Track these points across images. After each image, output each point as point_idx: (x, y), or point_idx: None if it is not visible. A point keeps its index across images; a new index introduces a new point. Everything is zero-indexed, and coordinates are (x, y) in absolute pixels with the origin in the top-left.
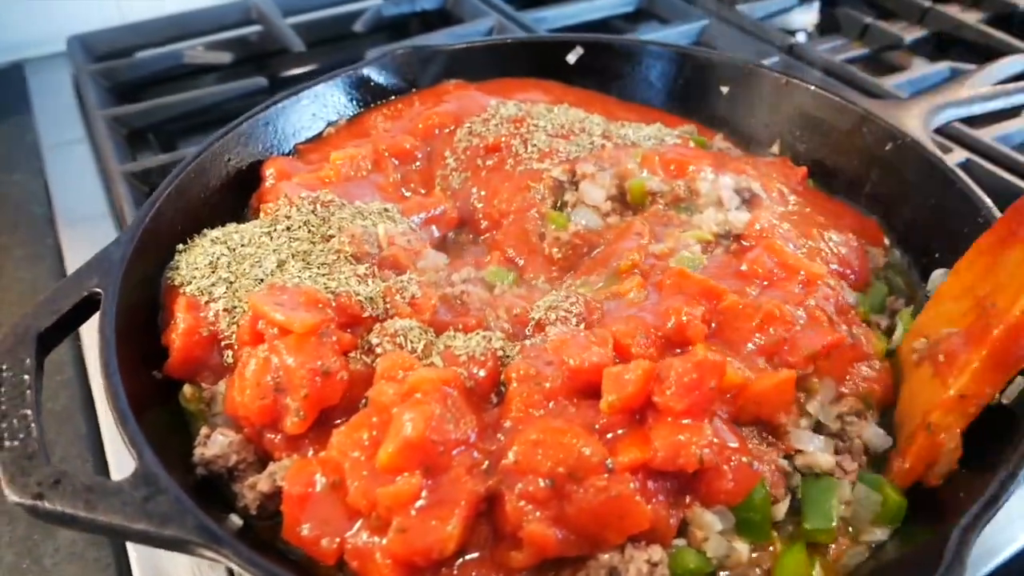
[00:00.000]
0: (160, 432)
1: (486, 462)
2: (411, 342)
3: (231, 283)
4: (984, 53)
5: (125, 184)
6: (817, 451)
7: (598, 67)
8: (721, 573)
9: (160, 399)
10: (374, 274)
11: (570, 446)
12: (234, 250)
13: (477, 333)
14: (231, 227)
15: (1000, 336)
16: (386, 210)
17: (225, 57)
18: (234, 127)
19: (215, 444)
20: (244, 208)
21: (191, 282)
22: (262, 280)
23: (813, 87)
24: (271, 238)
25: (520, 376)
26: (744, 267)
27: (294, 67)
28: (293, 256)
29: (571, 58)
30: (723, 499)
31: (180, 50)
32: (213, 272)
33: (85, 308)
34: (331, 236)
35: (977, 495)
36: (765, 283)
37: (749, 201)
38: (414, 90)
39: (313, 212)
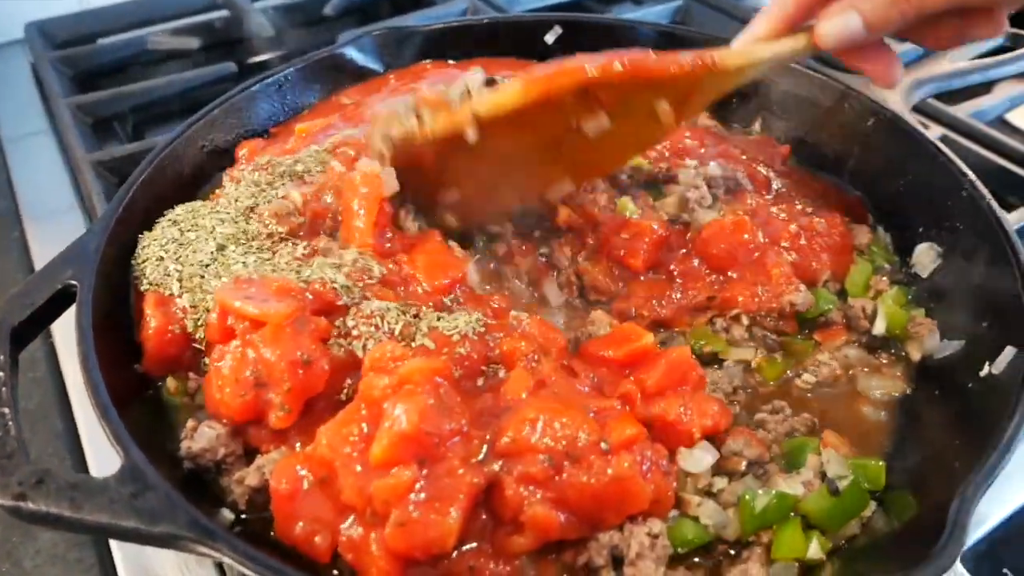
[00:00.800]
0: (143, 426)
1: (483, 449)
2: (388, 323)
3: (179, 271)
4: None
5: (93, 174)
6: None
7: (577, 47)
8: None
9: (141, 392)
10: (314, 251)
11: (567, 423)
12: (183, 233)
13: (464, 312)
14: (190, 205)
15: None
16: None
17: (192, 43)
18: (207, 113)
19: (202, 437)
20: None
21: (146, 274)
22: (206, 266)
23: (794, 64)
24: (212, 219)
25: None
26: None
27: (263, 52)
28: (230, 239)
29: (549, 38)
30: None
31: (144, 36)
32: (161, 262)
33: (60, 301)
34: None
35: (973, 465)
36: None
37: (733, 192)
38: (390, 72)
39: (255, 183)
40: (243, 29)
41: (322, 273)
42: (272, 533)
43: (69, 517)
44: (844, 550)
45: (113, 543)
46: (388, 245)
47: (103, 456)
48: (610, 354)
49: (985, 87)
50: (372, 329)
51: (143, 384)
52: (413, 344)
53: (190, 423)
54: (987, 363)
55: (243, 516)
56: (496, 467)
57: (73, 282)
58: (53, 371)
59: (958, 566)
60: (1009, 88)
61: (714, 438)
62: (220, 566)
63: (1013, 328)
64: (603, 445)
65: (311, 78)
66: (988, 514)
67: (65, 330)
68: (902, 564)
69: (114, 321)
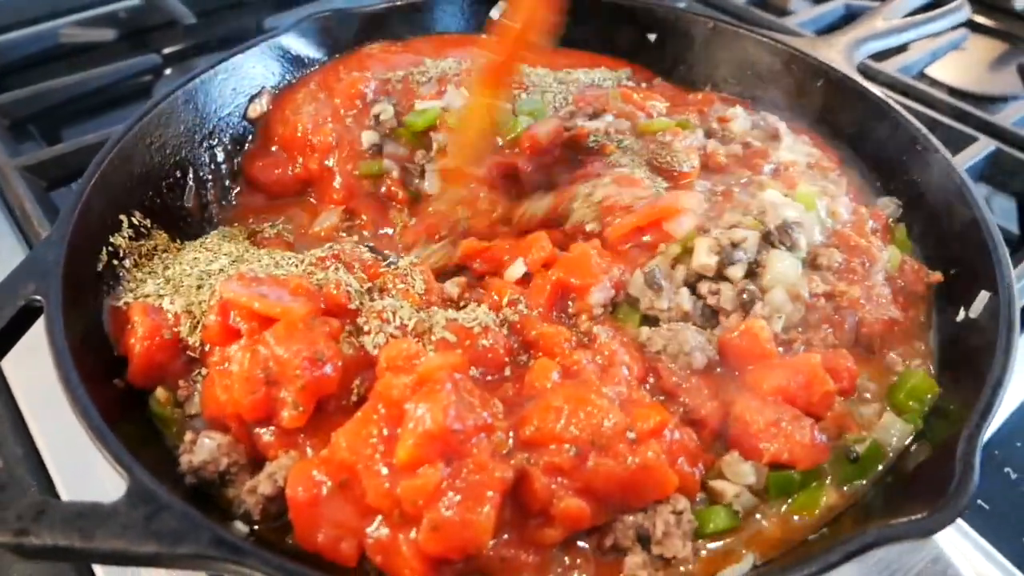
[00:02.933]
0: (136, 445)
1: (509, 442)
2: (400, 318)
3: (172, 279)
4: None
5: (20, 180)
6: None
7: None
8: None
9: (126, 409)
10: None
11: (592, 412)
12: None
13: (480, 305)
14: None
15: None
16: None
17: (108, 34)
18: (153, 107)
19: (203, 449)
20: (182, 194)
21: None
22: (204, 276)
23: (741, 29)
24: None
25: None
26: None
27: (184, 40)
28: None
29: (495, 13)
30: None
31: (54, 29)
32: (151, 275)
33: (24, 318)
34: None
35: (970, 405)
36: None
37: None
38: (337, 56)
39: None
40: (159, 17)
41: (337, 276)
42: (289, 540)
43: (81, 548)
44: (864, 498)
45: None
46: None
47: (74, 481)
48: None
49: (904, 45)
50: (383, 323)
51: (127, 400)
52: (433, 338)
53: (188, 436)
54: (962, 308)
55: (255, 527)
56: (523, 458)
57: (37, 297)
58: (2, 393)
59: None
60: (928, 43)
61: None
62: None
63: (982, 273)
64: (630, 434)
65: (255, 66)
66: None
67: (17, 349)
68: (922, 507)
69: (84, 335)
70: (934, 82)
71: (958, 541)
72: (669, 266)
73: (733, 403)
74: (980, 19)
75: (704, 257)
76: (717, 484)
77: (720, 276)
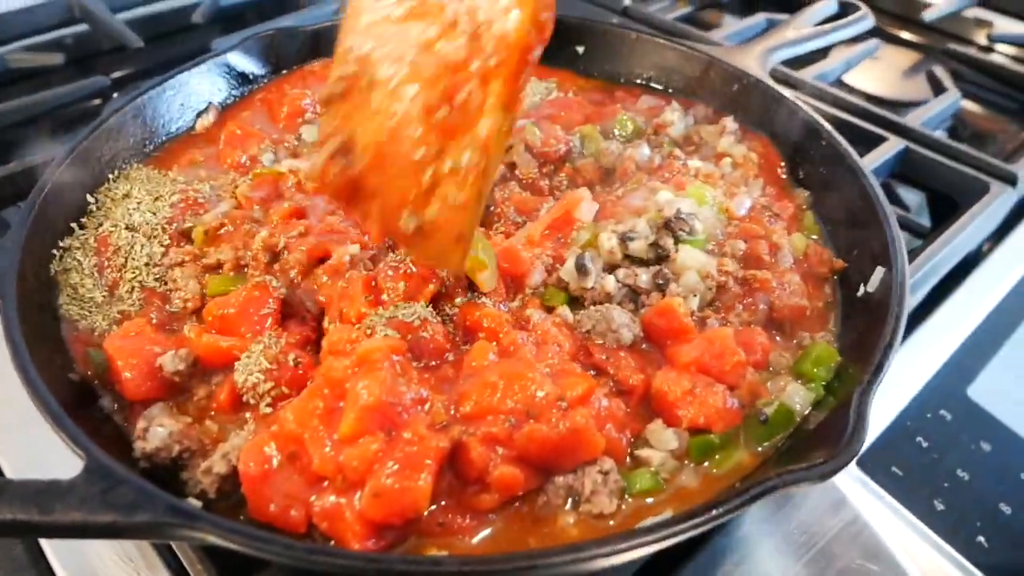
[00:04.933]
0: (88, 432)
1: (447, 415)
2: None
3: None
4: (790, 5)
5: None
6: None
7: None
8: None
9: (79, 400)
10: None
11: (525, 384)
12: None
13: (417, 303)
14: None
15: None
16: None
17: (56, 59)
18: (102, 122)
19: (155, 437)
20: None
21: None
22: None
23: (661, 40)
24: None
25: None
26: None
27: (132, 65)
28: None
29: None
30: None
31: (1, 55)
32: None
33: None
34: None
35: (866, 366)
36: None
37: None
38: (283, 72)
39: None
40: (107, 42)
41: None
42: (242, 517)
43: (40, 521)
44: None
45: (44, 541)
46: None
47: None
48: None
49: (822, 53)
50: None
51: (82, 393)
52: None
53: (140, 424)
54: (862, 285)
55: (210, 505)
56: (461, 431)
57: None
58: None
59: (855, 468)
60: (843, 53)
61: None
62: (167, 552)
63: (879, 251)
64: (562, 403)
65: (202, 83)
66: (873, 423)
67: None
68: (821, 456)
69: (40, 333)
70: (851, 89)
71: (874, 503)
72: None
73: (654, 376)
74: (893, 31)
75: (607, 243)
76: (643, 452)
77: (637, 262)
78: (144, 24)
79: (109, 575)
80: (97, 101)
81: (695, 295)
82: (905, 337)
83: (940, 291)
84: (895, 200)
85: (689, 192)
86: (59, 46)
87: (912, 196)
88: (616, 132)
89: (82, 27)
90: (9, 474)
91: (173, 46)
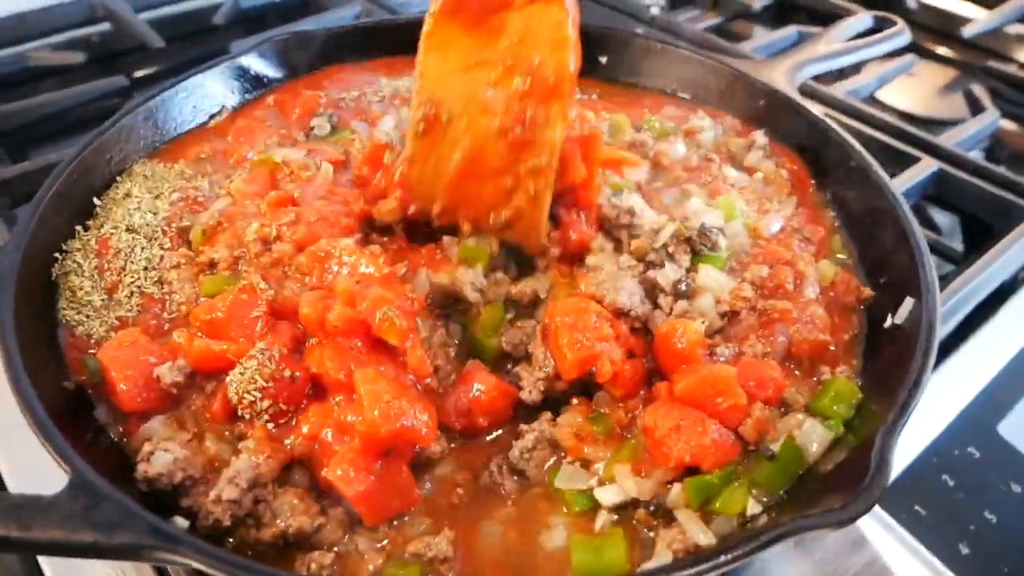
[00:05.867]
0: (81, 444)
1: None
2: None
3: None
4: (823, 17)
5: None
6: None
7: None
8: None
9: (74, 410)
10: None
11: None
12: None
13: None
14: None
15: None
16: None
17: (78, 57)
18: (113, 123)
19: (159, 461)
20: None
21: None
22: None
23: (687, 51)
24: None
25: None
26: None
27: (153, 64)
28: None
29: None
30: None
31: (24, 52)
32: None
33: None
34: None
35: (891, 405)
36: None
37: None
38: (295, 77)
39: None
40: (129, 41)
41: None
42: (229, 541)
43: (18, 538)
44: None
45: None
46: None
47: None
48: None
49: (855, 68)
50: None
51: (78, 403)
52: None
53: (146, 447)
54: (889, 315)
55: (195, 526)
56: None
57: None
58: None
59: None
60: (877, 68)
61: None
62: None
63: (909, 280)
64: None
65: (215, 85)
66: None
67: None
68: (838, 500)
69: (37, 338)
70: (884, 106)
71: (894, 545)
72: None
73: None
74: (930, 46)
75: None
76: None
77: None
78: (166, 24)
79: None
80: (116, 100)
81: (704, 321)
82: (934, 367)
83: (972, 320)
84: (927, 222)
85: (719, 203)
86: (81, 44)
87: (945, 218)
88: (645, 129)
89: (104, 26)
90: (7, 479)
91: (194, 47)
